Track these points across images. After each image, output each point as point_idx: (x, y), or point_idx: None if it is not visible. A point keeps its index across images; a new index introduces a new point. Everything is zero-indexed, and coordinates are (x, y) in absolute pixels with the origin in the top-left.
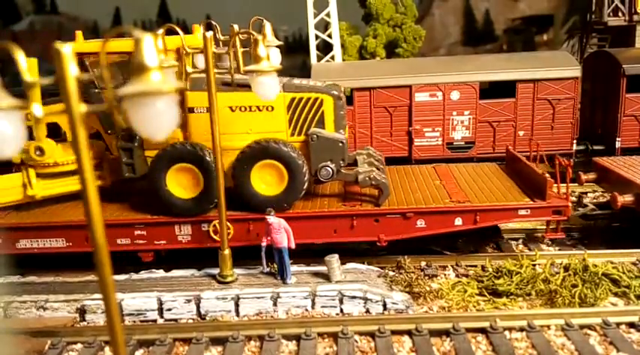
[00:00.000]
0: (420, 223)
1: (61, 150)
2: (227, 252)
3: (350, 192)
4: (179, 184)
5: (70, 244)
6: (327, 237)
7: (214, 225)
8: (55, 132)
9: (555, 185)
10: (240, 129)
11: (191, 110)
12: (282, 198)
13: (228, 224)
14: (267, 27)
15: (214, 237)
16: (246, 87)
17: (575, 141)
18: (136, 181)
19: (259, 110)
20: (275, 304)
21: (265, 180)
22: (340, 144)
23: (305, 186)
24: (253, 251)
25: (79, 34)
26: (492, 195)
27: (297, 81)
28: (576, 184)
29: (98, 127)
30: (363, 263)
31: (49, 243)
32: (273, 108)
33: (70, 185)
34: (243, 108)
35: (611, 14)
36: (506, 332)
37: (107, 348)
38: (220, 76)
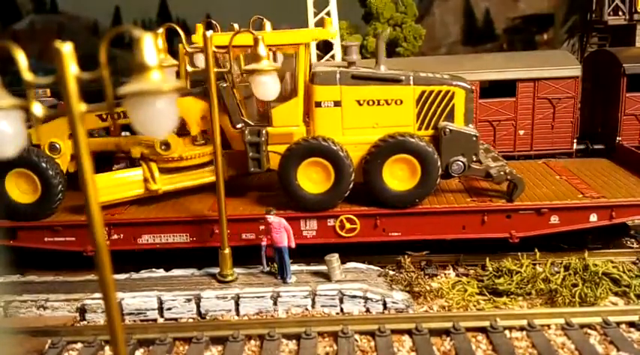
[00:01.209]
0: (554, 219)
1: (183, 145)
2: (227, 251)
3: (471, 187)
4: (309, 179)
5: (194, 239)
6: (455, 233)
7: (341, 220)
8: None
9: None
10: (366, 123)
11: (318, 104)
12: (414, 192)
13: (355, 219)
14: (268, 26)
15: (340, 232)
16: (374, 80)
17: (575, 141)
18: (249, 176)
19: (387, 104)
20: (275, 303)
21: (397, 175)
22: (474, 139)
23: (438, 182)
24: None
25: (199, 27)
26: (623, 189)
27: (424, 74)
28: None
29: (223, 123)
30: (364, 262)
31: (171, 239)
32: (401, 101)
33: (193, 179)
34: (370, 102)
35: (611, 13)
36: (507, 332)
37: (107, 347)
38: (347, 69)
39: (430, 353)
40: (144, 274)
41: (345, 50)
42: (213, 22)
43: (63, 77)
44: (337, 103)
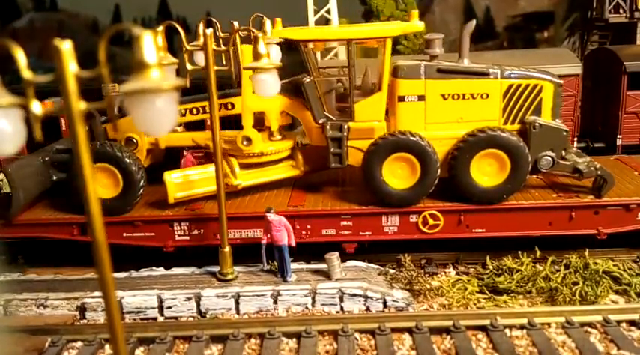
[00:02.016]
0: None
1: (262, 140)
2: (227, 249)
3: (553, 183)
4: (394, 174)
5: None
6: (541, 230)
7: (424, 217)
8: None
9: None
10: (450, 117)
11: (401, 98)
12: (502, 188)
13: (439, 215)
14: (268, 24)
15: (423, 228)
16: (460, 74)
17: (575, 139)
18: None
19: (473, 98)
20: (275, 302)
21: (485, 171)
22: (564, 134)
23: (527, 177)
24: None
25: (278, 21)
26: None
27: (510, 67)
28: None
29: (304, 118)
30: (364, 260)
31: (252, 234)
32: (488, 95)
33: (271, 174)
34: (455, 96)
35: (612, 11)
36: (507, 330)
37: (107, 346)
38: (431, 63)
39: (430, 352)
40: (144, 272)
41: (428, 43)
42: (214, 20)
43: (62, 75)
44: (421, 97)
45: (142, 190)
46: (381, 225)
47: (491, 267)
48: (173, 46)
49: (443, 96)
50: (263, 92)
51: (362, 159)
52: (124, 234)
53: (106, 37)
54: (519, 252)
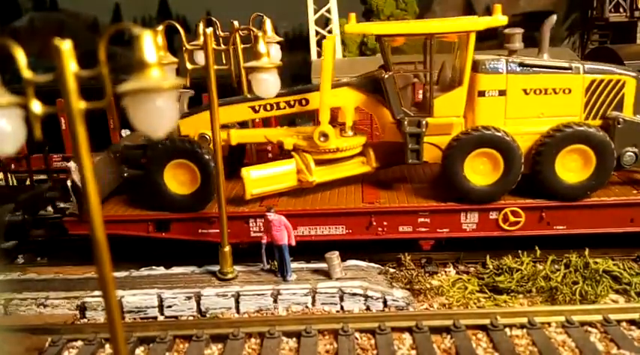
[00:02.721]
0: None
1: (336, 136)
2: (227, 248)
3: (629, 179)
4: (475, 170)
5: (350, 231)
6: (622, 226)
7: (505, 213)
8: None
9: None
10: (531, 112)
11: (481, 93)
12: (586, 185)
13: (521, 211)
14: (268, 23)
15: (503, 225)
16: (543, 68)
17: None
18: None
19: (555, 93)
20: (275, 301)
21: (569, 167)
22: None
23: (611, 173)
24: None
25: (352, 16)
26: None
27: (592, 63)
28: None
29: (379, 114)
30: (364, 260)
31: (327, 231)
32: (570, 90)
33: (345, 170)
34: (537, 91)
35: (612, 10)
36: (507, 329)
37: (107, 345)
38: (513, 58)
39: (430, 351)
40: (144, 272)
41: (508, 38)
42: (214, 19)
43: (62, 75)
44: (502, 92)
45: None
46: (460, 222)
47: (491, 267)
48: (173, 46)
49: (524, 91)
50: (264, 91)
51: (442, 155)
52: (200, 231)
53: (106, 36)
54: (519, 252)
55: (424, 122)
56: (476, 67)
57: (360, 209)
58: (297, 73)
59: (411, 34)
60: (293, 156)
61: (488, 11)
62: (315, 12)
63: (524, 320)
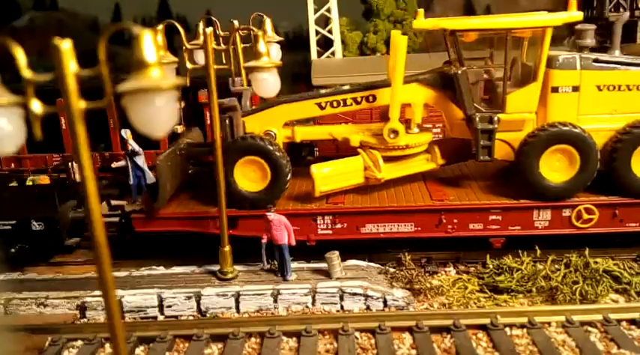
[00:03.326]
0: None
1: (404, 133)
2: (227, 248)
3: None
4: (551, 167)
5: (419, 229)
6: None
7: (578, 211)
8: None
9: None
10: (604, 109)
11: (555, 89)
12: None
13: (594, 209)
14: (268, 23)
15: (576, 223)
16: (617, 65)
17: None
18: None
19: (629, 89)
20: (275, 301)
21: None
22: None
23: None
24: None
25: (420, 12)
26: None
27: None
28: None
29: (447, 110)
30: (364, 259)
31: (396, 228)
32: None
33: (412, 167)
34: (611, 88)
35: (612, 10)
36: (507, 329)
37: (107, 345)
38: (587, 53)
39: (431, 351)
40: (144, 271)
41: (579, 34)
42: (213, 18)
43: (62, 74)
44: (575, 88)
45: (287, 184)
46: (532, 220)
47: (491, 266)
48: (173, 45)
49: (598, 87)
50: (264, 91)
51: (517, 152)
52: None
53: (106, 35)
54: (519, 251)
55: (496, 118)
56: (550, 62)
57: (431, 206)
58: (297, 73)
59: (487, 29)
60: (360, 153)
61: (489, 11)
62: (315, 11)
63: (525, 319)
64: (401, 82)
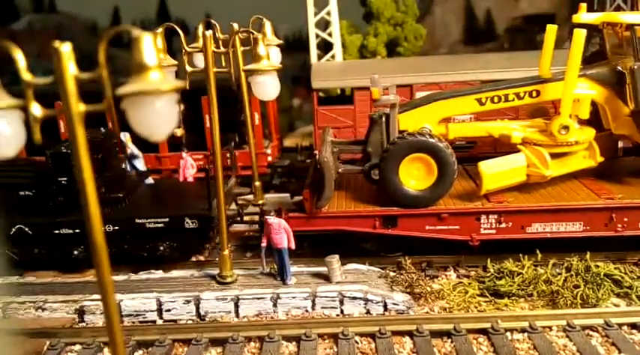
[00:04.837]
0: None
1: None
2: (226, 252)
3: None
4: None
5: (588, 228)
6: None
7: None
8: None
9: None
10: None
11: None
12: None
13: None
14: (267, 26)
15: None
16: None
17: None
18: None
19: None
20: (275, 305)
21: None
22: None
23: None
24: None
25: (583, 6)
26: None
27: None
28: None
29: (612, 105)
30: (364, 263)
31: (563, 227)
32: None
33: (573, 164)
34: None
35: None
36: (508, 333)
37: (106, 349)
38: None
39: None
40: (143, 275)
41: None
42: (213, 21)
43: (61, 77)
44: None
45: (453, 183)
46: None
47: (492, 270)
48: (172, 48)
49: None
50: (262, 94)
51: None
52: (427, 227)
53: (106, 38)
54: (520, 255)
55: None
56: None
57: (601, 204)
58: (297, 76)
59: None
60: (521, 150)
61: (489, 14)
62: (315, 14)
63: (525, 324)
64: (576, 77)
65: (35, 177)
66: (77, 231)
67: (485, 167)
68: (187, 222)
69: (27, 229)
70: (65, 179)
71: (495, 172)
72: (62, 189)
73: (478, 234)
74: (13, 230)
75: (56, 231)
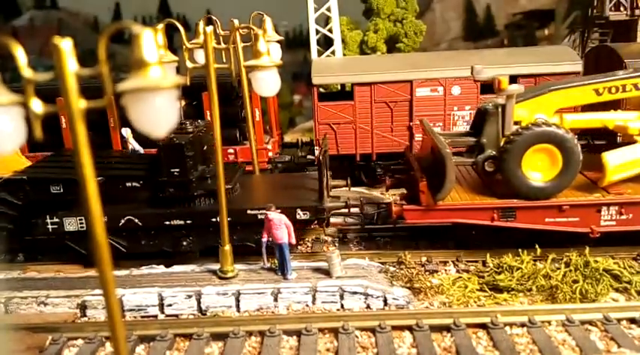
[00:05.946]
0: None
1: None
2: (227, 247)
3: None
4: None
5: None
6: None
7: None
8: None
9: None
10: None
11: None
12: None
13: None
14: (268, 22)
15: None
16: None
17: (576, 136)
18: None
19: None
20: (276, 300)
21: None
22: None
23: None
24: None
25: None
26: None
27: None
28: None
29: None
30: (364, 258)
31: None
32: None
33: None
34: None
35: (612, 9)
36: (507, 328)
37: (108, 344)
38: None
39: (431, 350)
40: (144, 270)
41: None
42: (213, 17)
43: (62, 73)
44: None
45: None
46: None
47: (491, 265)
48: (173, 44)
49: None
50: (262, 90)
51: None
52: (546, 219)
53: (107, 35)
54: (520, 250)
55: None
56: None
57: None
58: (297, 72)
59: None
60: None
61: (489, 10)
62: (316, 10)
63: (525, 318)
64: None
65: (145, 169)
66: (188, 222)
67: (610, 158)
68: (299, 214)
69: (136, 220)
70: (177, 170)
71: (619, 163)
72: (173, 180)
73: (598, 225)
74: (122, 221)
75: (166, 222)
